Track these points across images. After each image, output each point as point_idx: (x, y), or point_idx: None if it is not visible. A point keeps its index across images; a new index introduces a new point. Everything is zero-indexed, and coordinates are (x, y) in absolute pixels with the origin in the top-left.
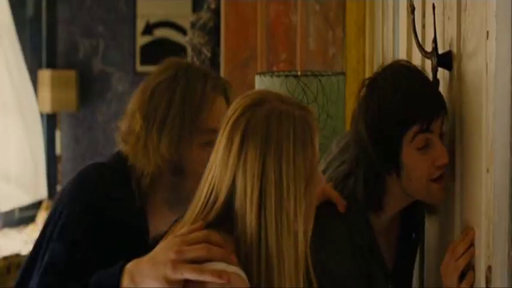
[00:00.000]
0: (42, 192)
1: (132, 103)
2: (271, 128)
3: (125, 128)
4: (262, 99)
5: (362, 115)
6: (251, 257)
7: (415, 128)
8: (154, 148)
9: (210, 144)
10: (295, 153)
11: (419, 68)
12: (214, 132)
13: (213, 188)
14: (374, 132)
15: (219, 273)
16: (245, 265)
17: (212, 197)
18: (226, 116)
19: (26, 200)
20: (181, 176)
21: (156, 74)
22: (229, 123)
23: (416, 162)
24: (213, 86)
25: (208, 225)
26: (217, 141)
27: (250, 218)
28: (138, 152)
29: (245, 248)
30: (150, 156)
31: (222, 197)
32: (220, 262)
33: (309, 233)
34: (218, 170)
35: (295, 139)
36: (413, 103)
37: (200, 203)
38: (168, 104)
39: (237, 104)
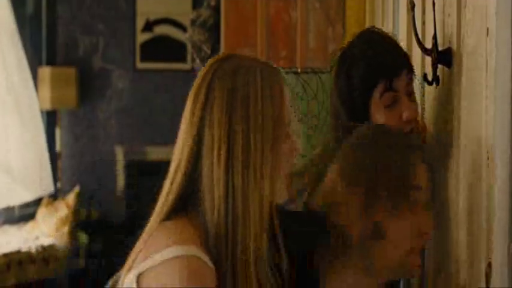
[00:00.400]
0: (48, 187)
1: None
2: (238, 80)
3: None
4: (230, 55)
5: (335, 85)
6: (219, 220)
7: (380, 87)
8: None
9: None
10: (263, 107)
11: (390, 35)
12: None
13: (179, 157)
14: (345, 98)
15: None
16: (215, 236)
17: (178, 165)
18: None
19: (28, 196)
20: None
21: None
22: (197, 79)
23: (384, 118)
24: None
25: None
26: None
27: (217, 174)
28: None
29: (212, 214)
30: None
31: (185, 158)
32: (174, 247)
33: (276, 192)
34: (184, 129)
35: (263, 93)
36: (377, 63)
37: (169, 181)
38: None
39: (209, 62)
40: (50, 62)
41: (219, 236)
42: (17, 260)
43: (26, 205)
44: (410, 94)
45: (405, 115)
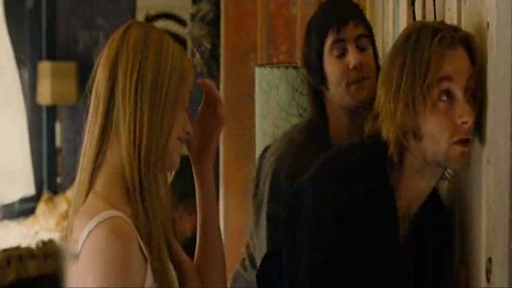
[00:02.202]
0: (29, 187)
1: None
2: (151, 35)
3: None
4: (143, 23)
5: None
6: (130, 151)
7: (330, 38)
8: (391, 119)
9: (442, 102)
10: (173, 60)
11: None
12: (449, 80)
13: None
14: (305, 55)
15: None
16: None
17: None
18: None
19: (12, 195)
20: (420, 140)
21: (395, 40)
22: (115, 35)
23: (334, 67)
24: (440, 39)
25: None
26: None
27: (129, 113)
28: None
29: (126, 149)
30: (389, 127)
31: (102, 109)
32: (98, 215)
33: (171, 135)
34: (100, 78)
35: (174, 49)
36: (325, 15)
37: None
38: (401, 69)
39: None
40: (50, 57)
41: (132, 169)
42: (17, 255)
43: (26, 200)
44: (361, 45)
45: (351, 64)
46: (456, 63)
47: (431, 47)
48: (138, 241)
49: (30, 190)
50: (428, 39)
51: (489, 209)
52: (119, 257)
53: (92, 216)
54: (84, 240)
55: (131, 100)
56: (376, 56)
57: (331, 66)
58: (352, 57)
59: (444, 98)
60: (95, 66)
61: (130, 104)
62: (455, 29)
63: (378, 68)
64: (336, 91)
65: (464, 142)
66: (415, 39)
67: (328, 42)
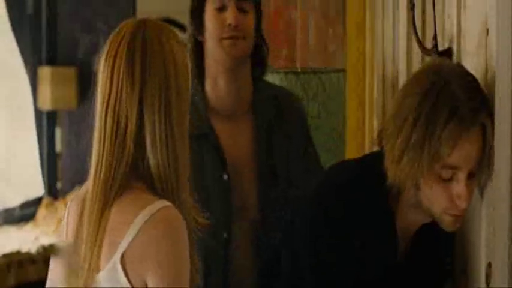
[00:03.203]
0: (37, 190)
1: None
2: (163, 38)
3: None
4: (145, 20)
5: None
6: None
7: None
8: (395, 163)
9: (445, 180)
10: (184, 66)
11: None
12: (454, 169)
13: (118, 121)
14: (191, 3)
15: None
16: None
17: (120, 132)
18: (114, 41)
19: (17, 199)
20: (417, 190)
21: (416, 75)
22: (123, 46)
23: (212, 19)
24: (459, 121)
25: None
26: (107, 72)
27: (159, 128)
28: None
29: (158, 171)
30: (390, 166)
31: (133, 123)
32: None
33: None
34: (122, 95)
35: (183, 51)
36: None
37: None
38: (413, 124)
39: (121, 28)
40: (50, 62)
41: (164, 184)
42: (17, 260)
43: (26, 205)
44: (242, 7)
45: (228, 21)
46: (467, 151)
47: (446, 127)
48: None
49: (31, 195)
50: (445, 114)
51: (489, 214)
52: (184, 240)
53: (144, 204)
54: (136, 234)
55: (161, 112)
56: (258, 21)
57: (209, 18)
58: (230, 15)
59: (447, 176)
60: (103, 61)
61: (161, 117)
62: (476, 109)
63: (259, 31)
64: (211, 43)
65: (458, 215)
66: (432, 103)
67: None
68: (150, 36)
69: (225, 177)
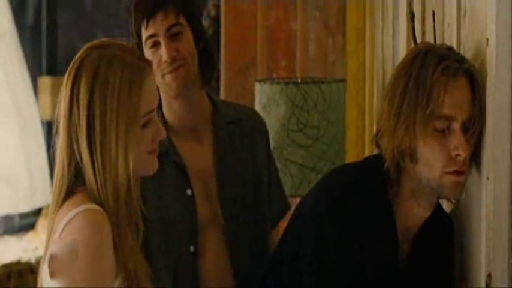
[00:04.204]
0: (43, 198)
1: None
2: (101, 67)
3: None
4: (104, 45)
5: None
6: (92, 187)
7: (144, 33)
8: (390, 136)
9: (441, 132)
10: (120, 91)
11: None
12: (448, 119)
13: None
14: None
15: None
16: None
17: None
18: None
19: (24, 207)
20: (415, 163)
21: (403, 58)
22: (73, 62)
23: (151, 59)
24: (444, 68)
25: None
26: None
27: (83, 149)
28: (381, 141)
29: (90, 184)
30: (387, 144)
31: (64, 135)
32: (77, 207)
33: (134, 166)
34: (60, 108)
35: (122, 79)
36: (136, 9)
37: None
38: (404, 90)
39: (85, 46)
40: (50, 72)
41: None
42: (17, 270)
43: (26, 215)
44: (174, 34)
45: (163, 58)
46: (457, 97)
47: (434, 76)
48: (112, 235)
49: (31, 205)
50: (433, 66)
51: (489, 225)
52: (95, 244)
53: (72, 207)
54: (63, 229)
55: (84, 139)
56: (197, 33)
57: (148, 56)
58: (164, 52)
59: (443, 129)
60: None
61: (83, 138)
62: (461, 60)
63: (201, 43)
64: (158, 81)
65: (459, 173)
66: (420, 63)
67: (143, 36)
68: (88, 61)
69: (189, 192)
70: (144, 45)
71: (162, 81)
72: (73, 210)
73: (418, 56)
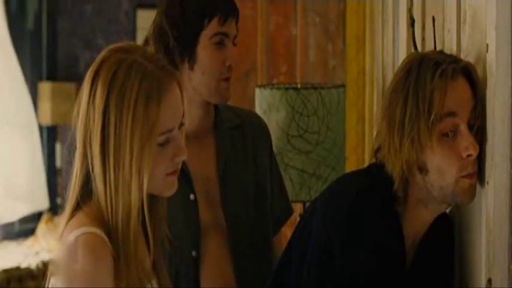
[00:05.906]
0: (43, 203)
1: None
2: (118, 73)
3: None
4: (126, 49)
5: (163, 8)
6: (102, 205)
7: (214, 24)
8: (397, 154)
9: (447, 136)
10: (136, 105)
11: None
12: (453, 116)
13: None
14: (176, 23)
15: None
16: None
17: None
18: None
19: (24, 211)
20: (426, 174)
21: (396, 72)
22: (93, 64)
23: (212, 56)
24: (442, 73)
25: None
26: None
27: (96, 165)
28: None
29: (100, 201)
30: (395, 163)
31: (80, 150)
32: (79, 229)
33: (150, 186)
34: (79, 110)
35: (139, 91)
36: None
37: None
38: (404, 104)
39: (108, 48)
40: (50, 77)
41: (107, 219)
42: (17, 276)
43: (26, 221)
44: (233, 44)
45: (228, 61)
46: (458, 96)
47: (433, 82)
48: (112, 258)
49: (31, 210)
50: (430, 73)
51: (489, 230)
52: (89, 274)
53: (74, 228)
54: (63, 251)
55: (98, 142)
56: None
57: (207, 53)
58: (230, 55)
59: (449, 132)
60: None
61: (97, 146)
62: (456, 60)
63: None
64: (204, 80)
65: (471, 175)
66: (416, 74)
67: (212, 28)
68: (107, 65)
69: (192, 197)
70: (204, 35)
71: (214, 85)
72: (74, 232)
73: (413, 68)
